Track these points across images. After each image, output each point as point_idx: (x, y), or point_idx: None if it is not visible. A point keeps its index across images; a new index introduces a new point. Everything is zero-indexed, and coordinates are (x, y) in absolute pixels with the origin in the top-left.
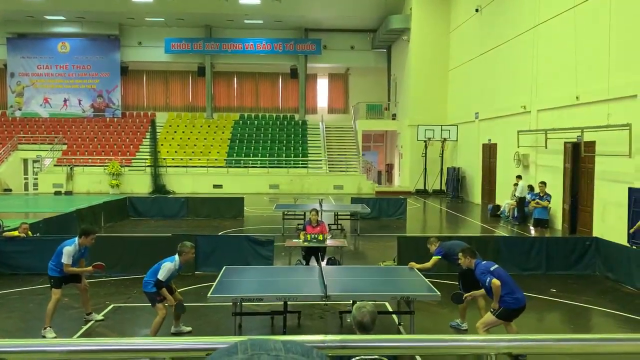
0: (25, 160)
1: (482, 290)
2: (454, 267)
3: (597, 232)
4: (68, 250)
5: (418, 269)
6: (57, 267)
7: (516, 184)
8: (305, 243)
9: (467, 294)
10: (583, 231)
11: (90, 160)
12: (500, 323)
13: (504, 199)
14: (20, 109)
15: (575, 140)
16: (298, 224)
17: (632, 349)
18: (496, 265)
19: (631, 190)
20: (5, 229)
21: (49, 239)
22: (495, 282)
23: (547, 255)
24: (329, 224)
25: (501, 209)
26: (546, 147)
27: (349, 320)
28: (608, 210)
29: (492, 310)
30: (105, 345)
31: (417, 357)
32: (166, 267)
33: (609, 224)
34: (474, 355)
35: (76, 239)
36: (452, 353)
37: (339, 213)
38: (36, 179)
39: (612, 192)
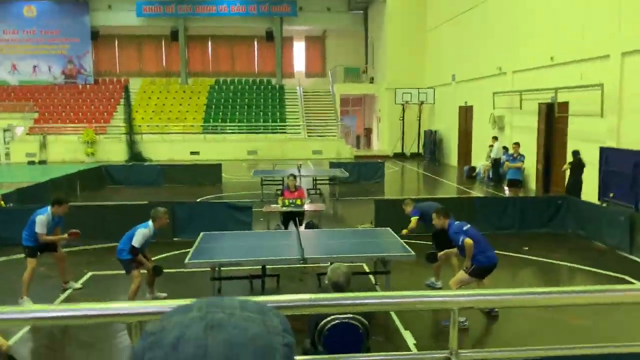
0: None
1: (455, 249)
2: (429, 227)
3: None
4: (41, 219)
5: (408, 230)
6: (30, 237)
7: (491, 146)
8: (284, 208)
9: (440, 253)
10: (556, 191)
11: (63, 129)
12: (473, 281)
13: (480, 161)
14: None
15: (549, 101)
16: (277, 190)
17: (594, 300)
18: (469, 225)
19: (602, 150)
20: None
21: (23, 209)
22: (468, 241)
23: (521, 214)
24: (307, 189)
25: (476, 171)
26: (521, 108)
27: (326, 282)
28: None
29: (464, 268)
30: (78, 311)
31: (392, 313)
32: (140, 233)
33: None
34: (444, 310)
35: (48, 207)
36: (417, 308)
37: (317, 178)
38: (8, 148)
39: (584, 151)
